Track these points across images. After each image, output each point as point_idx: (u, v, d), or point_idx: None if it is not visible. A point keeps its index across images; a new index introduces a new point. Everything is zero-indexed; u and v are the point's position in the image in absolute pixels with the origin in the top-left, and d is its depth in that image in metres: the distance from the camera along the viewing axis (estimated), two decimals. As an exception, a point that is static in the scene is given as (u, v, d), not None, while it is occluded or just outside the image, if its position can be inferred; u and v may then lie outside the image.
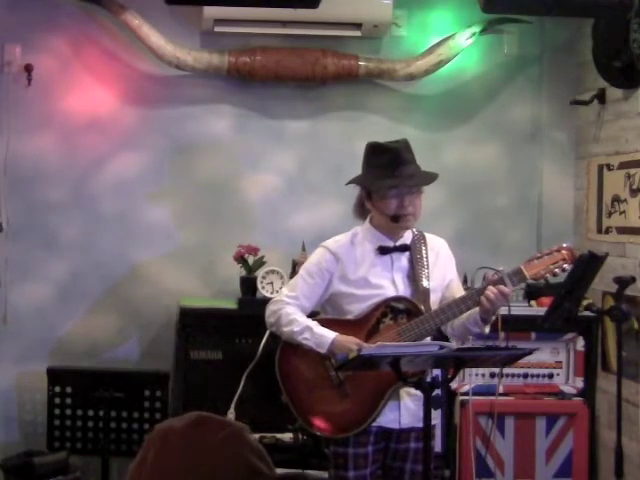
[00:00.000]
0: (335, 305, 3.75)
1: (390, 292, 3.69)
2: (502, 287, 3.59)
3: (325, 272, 3.72)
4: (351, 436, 3.65)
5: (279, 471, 4.27)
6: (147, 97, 5.20)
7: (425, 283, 3.70)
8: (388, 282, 3.71)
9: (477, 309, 3.65)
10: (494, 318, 3.70)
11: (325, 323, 3.69)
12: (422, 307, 3.67)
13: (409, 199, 3.66)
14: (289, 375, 3.71)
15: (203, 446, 1.93)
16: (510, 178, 5.42)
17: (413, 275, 3.72)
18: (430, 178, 3.72)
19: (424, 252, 3.76)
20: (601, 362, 4.93)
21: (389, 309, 3.67)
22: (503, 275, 3.63)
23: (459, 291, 3.80)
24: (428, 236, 3.83)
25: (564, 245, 3.70)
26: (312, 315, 3.76)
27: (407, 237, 3.78)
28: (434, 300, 3.72)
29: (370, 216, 3.79)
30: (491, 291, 3.58)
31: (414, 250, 3.75)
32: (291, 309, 3.70)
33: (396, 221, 3.67)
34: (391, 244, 3.74)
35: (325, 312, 3.82)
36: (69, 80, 5.16)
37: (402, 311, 3.67)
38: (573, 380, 4.88)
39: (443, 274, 3.80)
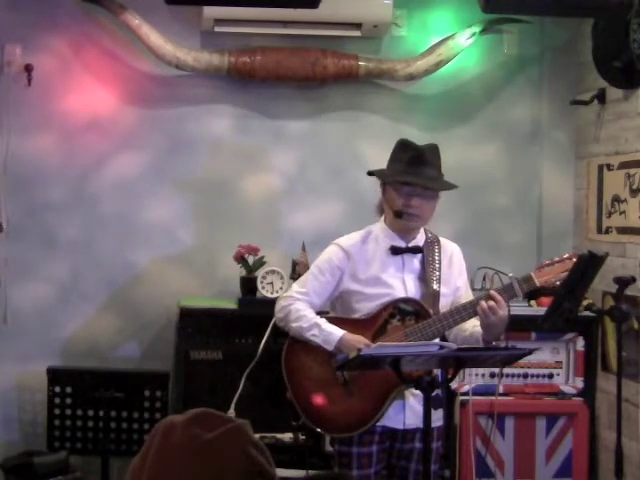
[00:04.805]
0: (344, 303, 3.75)
1: (400, 292, 3.68)
2: (495, 304, 3.56)
3: (336, 269, 3.71)
4: (355, 435, 3.64)
5: (287, 473, 4.28)
6: (147, 97, 5.20)
7: (435, 286, 3.69)
8: (398, 282, 3.69)
9: (480, 330, 3.64)
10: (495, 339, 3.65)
11: (333, 321, 3.68)
12: (431, 310, 3.65)
13: (419, 200, 3.64)
14: (295, 372, 3.70)
15: (204, 440, 1.94)
16: (510, 178, 5.42)
17: (424, 277, 3.70)
18: (446, 185, 3.71)
19: (437, 255, 3.74)
20: (601, 362, 4.93)
21: (397, 310, 3.65)
22: (512, 281, 3.62)
23: (467, 299, 3.76)
24: (443, 240, 3.81)
25: (575, 252, 3.71)
26: (320, 314, 3.73)
27: (420, 239, 3.76)
28: (444, 304, 3.71)
29: (384, 215, 3.78)
30: (489, 304, 3.54)
31: (427, 253, 3.73)
32: (301, 305, 3.69)
33: (399, 217, 3.65)
34: (403, 245, 3.73)
35: (334, 310, 3.81)
36: (69, 80, 5.15)
37: (410, 313, 3.65)
38: (573, 380, 4.87)
39: (455, 279, 3.79)
